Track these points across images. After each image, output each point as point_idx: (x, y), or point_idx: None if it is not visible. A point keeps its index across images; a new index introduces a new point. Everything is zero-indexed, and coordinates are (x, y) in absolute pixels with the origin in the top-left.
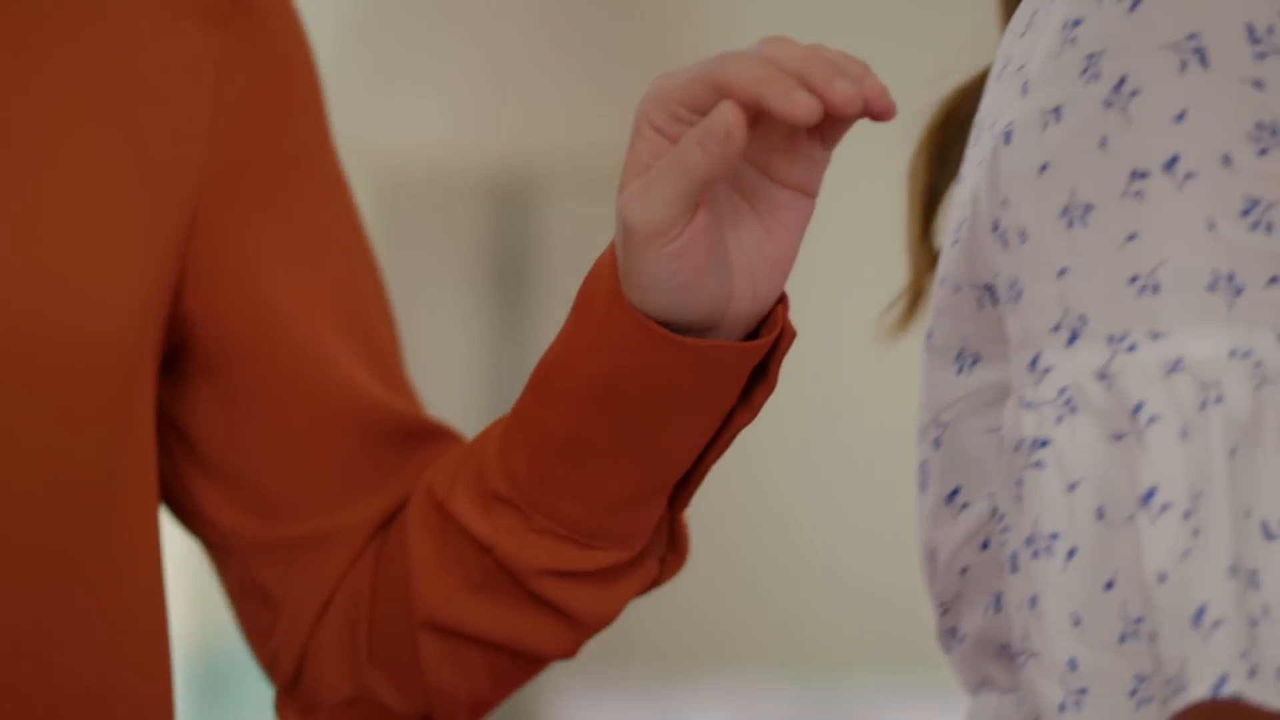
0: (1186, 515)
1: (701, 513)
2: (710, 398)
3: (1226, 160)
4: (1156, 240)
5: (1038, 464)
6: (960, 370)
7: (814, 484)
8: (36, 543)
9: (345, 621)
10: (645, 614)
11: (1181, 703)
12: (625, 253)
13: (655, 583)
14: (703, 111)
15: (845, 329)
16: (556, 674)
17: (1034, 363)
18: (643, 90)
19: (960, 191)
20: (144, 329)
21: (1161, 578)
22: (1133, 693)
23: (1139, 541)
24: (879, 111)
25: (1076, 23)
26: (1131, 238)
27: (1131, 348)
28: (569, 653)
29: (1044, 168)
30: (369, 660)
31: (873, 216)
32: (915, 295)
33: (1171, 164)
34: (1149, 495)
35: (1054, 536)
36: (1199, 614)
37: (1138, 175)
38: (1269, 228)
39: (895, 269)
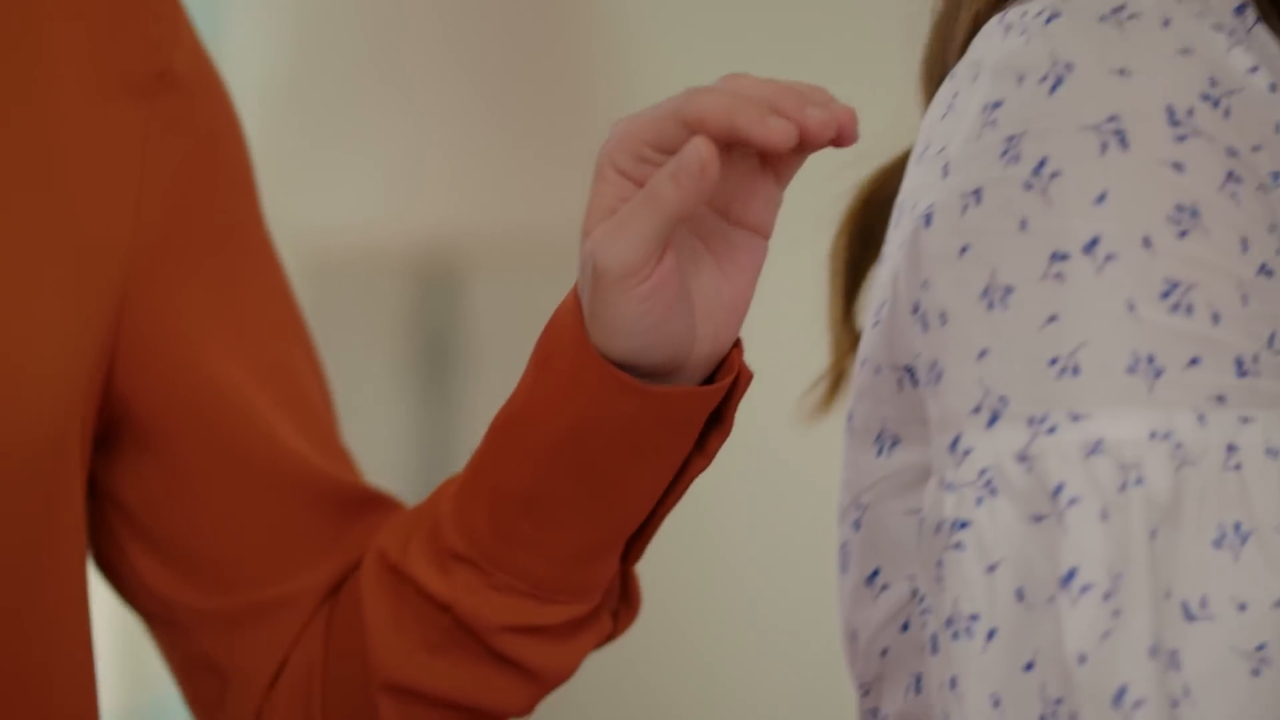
0: (1107, 596)
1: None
2: (671, 445)
3: (1147, 242)
4: (1076, 322)
5: (958, 545)
6: (880, 452)
7: (755, 558)
8: None
9: (298, 690)
10: (593, 676)
11: None
12: (594, 296)
13: (610, 637)
14: (671, 150)
15: (765, 412)
16: None
17: (954, 444)
18: (570, 172)
19: (881, 273)
20: (70, 410)
21: (1082, 659)
22: None
23: (1059, 622)
24: (848, 135)
25: (997, 105)
26: (1052, 319)
27: (1052, 429)
28: (526, 709)
29: (964, 249)
30: None
31: (794, 297)
32: (837, 377)
33: (1092, 246)
34: (1069, 576)
35: (974, 618)
36: (1119, 695)
37: (1058, 257)
38: (1189, 310)
39: (817, 351)
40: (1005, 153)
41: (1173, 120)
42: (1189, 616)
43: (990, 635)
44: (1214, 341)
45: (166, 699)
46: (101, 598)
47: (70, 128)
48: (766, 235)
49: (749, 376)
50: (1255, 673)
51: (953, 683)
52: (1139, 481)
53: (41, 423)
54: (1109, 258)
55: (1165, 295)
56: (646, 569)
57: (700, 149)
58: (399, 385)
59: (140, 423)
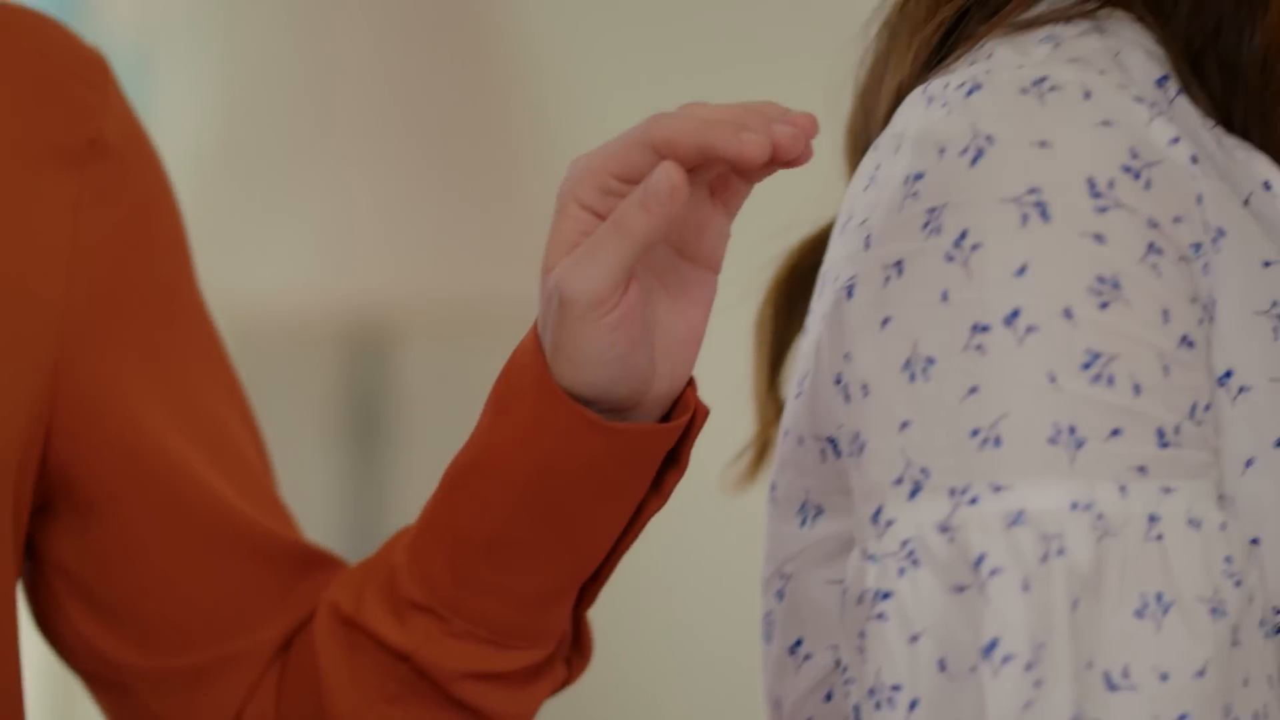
0: (1028, 667)
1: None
2: (630, 484)
3: (1068, 314)
4: (998, 393)
5: (880, 616)
6: (804, 522)
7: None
8: None
9: None
10: None
11: None
12: (561, 328)
13: (564, 684)
14: (637, 179)
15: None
16: None
17: (876, 515)
18: (500, 241)
19: (805, 344)
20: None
21: None
22: None
23: (981, 693)
24: (809, 142)
25: (918, 176)
26: (973, 391)
27: (973, 500)
28: None
29: (886, 321)
30: None
31: (720, 368)
32: (761, 447)
33: (1013, 318)
34: (991, 647)
35: (896, 688)
36: None
37: (979, 329)
38: (1110, 381)
39: (741, 420)
40: (927, 225)
41: (1094, 192)
42: (1111, 686)
43: (912, 706)
44: (1135, 413)
45: None
46: (34, 657)
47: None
48: (717, 270)
49: (705, 413)
50: None
51: None
52: (1061, 552)
53: None
54: (1030, 329)
55: (1086, 366)
56: (594, 615)
57: (670, 173)
58: (329, 452)
59: (81, 488)
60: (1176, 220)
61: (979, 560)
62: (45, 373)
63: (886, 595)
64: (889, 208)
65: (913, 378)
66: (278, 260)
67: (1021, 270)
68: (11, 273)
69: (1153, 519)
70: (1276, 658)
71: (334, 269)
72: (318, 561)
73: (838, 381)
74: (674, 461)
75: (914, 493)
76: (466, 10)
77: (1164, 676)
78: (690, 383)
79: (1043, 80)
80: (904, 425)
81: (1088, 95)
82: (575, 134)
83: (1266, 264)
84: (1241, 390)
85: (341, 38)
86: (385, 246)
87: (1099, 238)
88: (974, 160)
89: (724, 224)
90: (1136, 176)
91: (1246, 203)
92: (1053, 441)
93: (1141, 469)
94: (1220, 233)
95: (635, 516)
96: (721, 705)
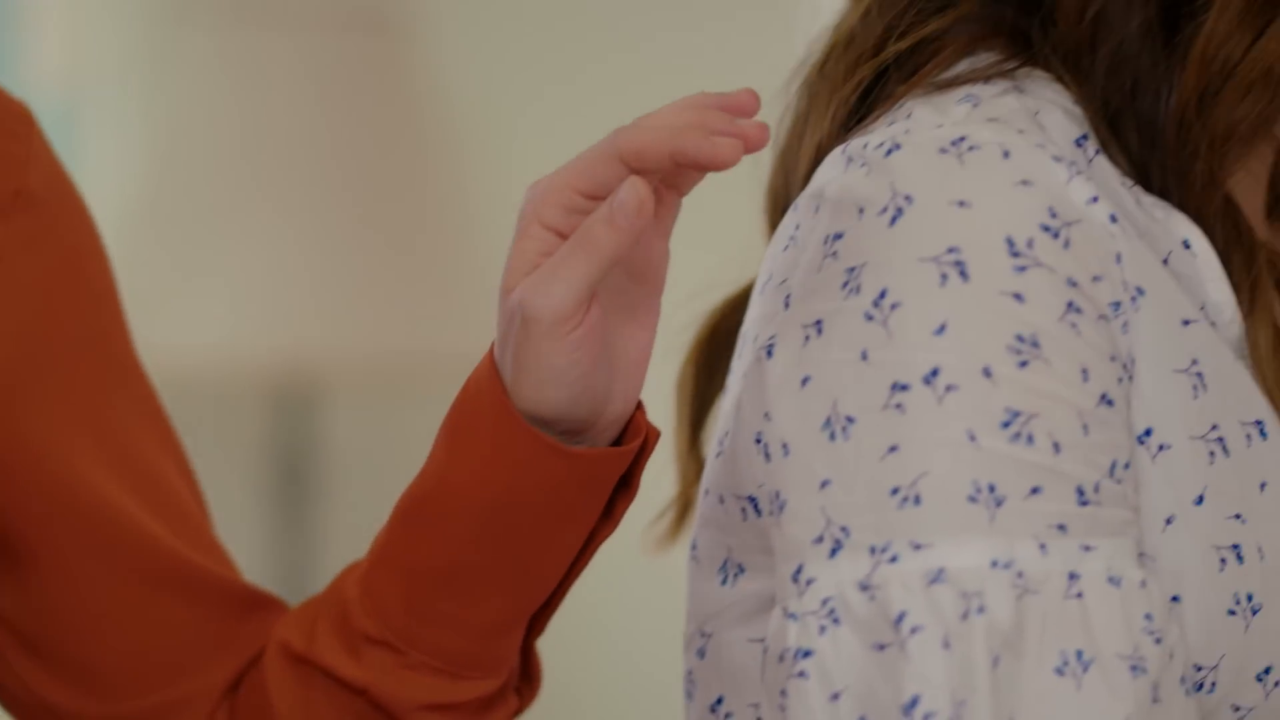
0: None
1: None
2: (585, 510)
3: (987, 372)
4: (917, 452)
5: (801, 674)
6: (725, 580)
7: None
8: None
9: None
10: None
11: None
12: (524, 347)
13: (515, 714)
14: (604, 194)
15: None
16: None
17: (797, 574)
18: (426, 298)
19: (725, 403)
20: None
21: None
22: None
23: None
24: (755, 114)
25: (838, 236)
26: (893, 449)
27: (893, 559)
28: None
29: (806, 380)
30: None
31: None
32: (683, 506)
33: (932, 376)
34: (912, 704)
35: None
36: None
37: (899, 388)
38: (1030, 439)
39: (663, 479)
40: (846, 284)
41: (1013, 251)
42: None
43: None
44: (1055, 471)
45: None
46: None
47: None
48: (660, 292)
49: (657, 435)
50: None
51: None
52: (981, 610)
53: None
54: (950, 388)
55: (1006, 425)
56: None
57: (637, 188)
58: (255, 507)
59: (16, 537)
60: (1095, 279)
61: (900, 618)
62: None
63: (808, 653)
64: (808, 267)
65: (833, 437)
66: (203, 314)
67: (941, 329)
68: None
69: (1073, 577)
70: (1197, 715)
71: (259, 324)
72: (260, 602)
73: (758, 441)
74: (625, 486)
75: (834, 551)
76: (391, 67)
77: None
78: (639, 405)
79: (962, 140)
80: (824, 484)
81: (1007, 155)
82: (501, 191)
83: (1185, 322)
84: (1161, 448)
85: (268, 93)
86: (311, 302)
87: (1018, 297)
88: (893, 220)
89: (665, 245)
90: (1055, 236)
91: (1165, 261)
92: (972, 500)
93: (1061, 527)
94: (1139, 291)
95: (588, 543)
96: None
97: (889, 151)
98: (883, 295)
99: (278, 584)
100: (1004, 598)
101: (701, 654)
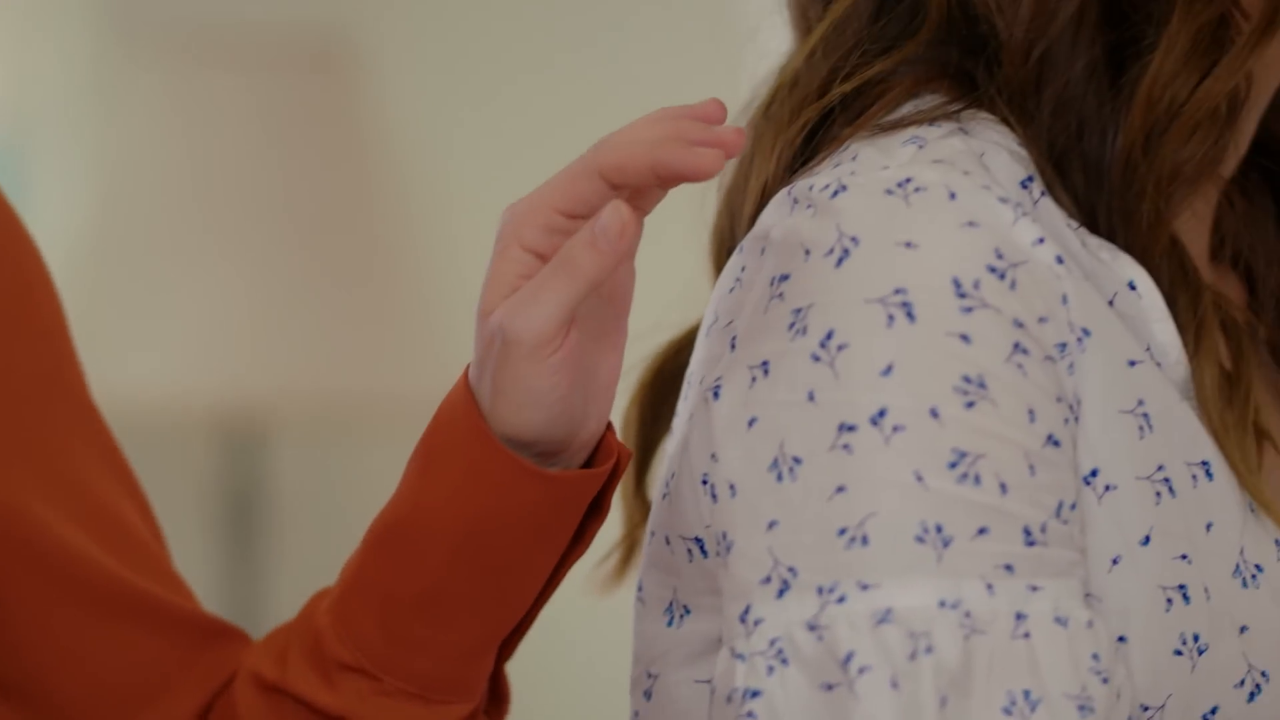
0: None
1: None
2: (558, 532)
3: (934, 413)
4: (864, 492)
5: (749, 715)
6: (671, 622)
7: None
8: None
9: None
10: None
11: None
12: (503, 369)
13: None
14: (585, 213)
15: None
16: None
17: (745, 614)
18: (376, 336)
19: (671, 445)
20: None
21: None
22: None
23: None
24: (724, 120)
25: (784, 278)
26: (840, 490)
27: (841, 599)
28: None
29: (753, 421)
30: None
31: None
32: (629, 547)
33: (879, 417)
34: None
35: None
36: None
37: (846, 428)
38: (977, 480)
39: (609, 522)
40: (792, 325)
41: (959, 292)
42: None
43: None
44: (1002, 511)
45: None
46: None
47: None
48: (628, 312)
49: (629, 456)
50: None
51: None
52: (929, 650)
53: None
54: (896, 429)
55: (953, 465)
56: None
57: (620, 212)
58: (202, 545)
59: None
60: (1042, 320)
61: (847, 658)
62: None
63: (755, 694)
64: (755, 309)
65: (780, 478)
66: (151, 353)
67: (888, 370)
68: None
69: (1020, 617)
70: None
71: (207, 362)
72: (223, 631)
73: (705, 482)
74: (596, 508)
75: (782, 591)
76: (339, 106)
77: None
78: (609, 427)
79: (907, 181)
80: (771, 525)
81: (953, 196)
82: (448, 231)
83: (1131, 363)
84: (1107, 489)
85: (216, 132)
86: (259, 340)
87: (965, 338)
88: (839, 261)
89: (631, 264)
90: (1002, 277)
91: (1111, 303)
92: (920, 540)
93: (1008, 567)
94: (1086, 332)
95: (559, 565)
96: None
97: (835, 193)
98: (829, 336)
99: (228, 618)
100: (952, 638)
101: (648, 695)
